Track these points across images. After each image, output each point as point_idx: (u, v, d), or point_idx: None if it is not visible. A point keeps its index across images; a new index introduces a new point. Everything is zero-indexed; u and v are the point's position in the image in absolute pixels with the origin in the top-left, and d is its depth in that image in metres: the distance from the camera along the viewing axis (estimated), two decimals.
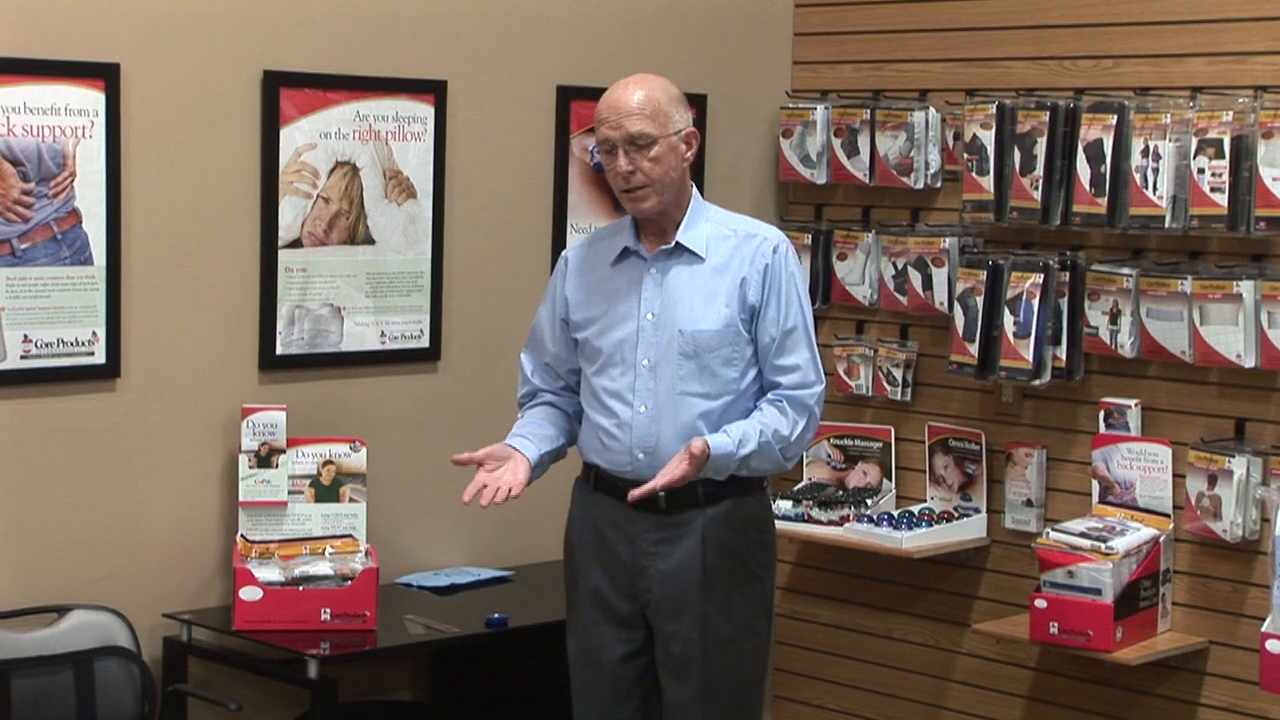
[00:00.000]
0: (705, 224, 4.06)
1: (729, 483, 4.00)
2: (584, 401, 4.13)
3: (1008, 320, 5.11)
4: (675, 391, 3.99)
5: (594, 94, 5.22)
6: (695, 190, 4.10)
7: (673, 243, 4.03)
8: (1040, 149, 5.03)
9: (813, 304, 5.50)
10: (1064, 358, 5.08)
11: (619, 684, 4.10)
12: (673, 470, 3.87)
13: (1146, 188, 4.83)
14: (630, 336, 4.03)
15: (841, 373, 5.56)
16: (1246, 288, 4.71)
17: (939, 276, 5.33)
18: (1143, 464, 4.97)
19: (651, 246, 4.06)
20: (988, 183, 5.16)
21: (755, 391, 4.05)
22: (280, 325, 4.78)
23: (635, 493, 3.89)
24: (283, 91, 4.70)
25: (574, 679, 4.16)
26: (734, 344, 4.01)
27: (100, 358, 4.47)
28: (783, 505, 5.34)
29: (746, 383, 4.04)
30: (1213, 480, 4.81)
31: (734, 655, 4.05)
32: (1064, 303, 5.05)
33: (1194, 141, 4.75)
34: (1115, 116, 4.90)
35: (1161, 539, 4.91)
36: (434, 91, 4.97)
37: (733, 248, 4.04)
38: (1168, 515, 4.94)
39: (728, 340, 4.00)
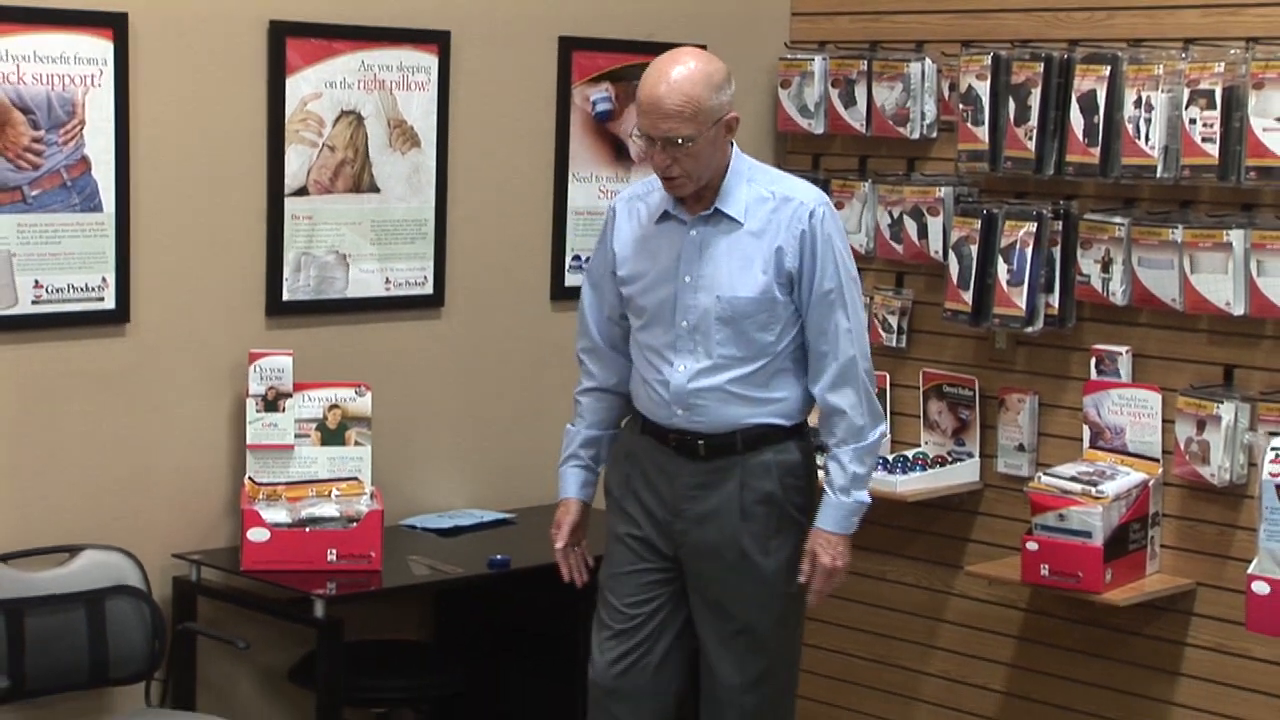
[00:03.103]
0: (744, 186, 3.99)
1: (768, 434, 4.00)
2: (632, 352, 4.12)
3: (1001, 268, 5.11)
4: (713, 354, 3.98)
5: (595, 44, 5.29)
6: (736, 150, 4.02)
7: (712, 209, 3.99)
8: (1034, 100, 5.02)
9: None
10: (1056, 305, 5.07)
11: (640, 591, 4.07)
12: (823, 581, 4.02)
13: (1139, 138, 4.82)
14: (670, 297, 4.00)
15: None
16: (1236, 237, 4.70)
17: (934, 225, 5.33)
18: (1133, 410, 4.98)
19: (691, 210, 4.01)
20: (982, 133, 5.15)
21: (793, 351, 4.01)
22: (287, 272, 4.79)
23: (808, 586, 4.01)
24: (288, 41, 4.70)
25: (600, 599, 4.15)
26: (770, 310, 3.96)
27: (110, 303, 4.48)
28: None
29: (784, 344, 4.00)
30: (1201, 426, 4.81)
31: (772, 595, 4.04)
32: (1057, 251, 5.04)
33: (1186, 92, 4.74)
34: (1108, 68, 4.89)
35: (1151, 483, 4.91)
36: (438, 42, 4.97)
37: (770, 211, 3.98)
38: (1157, 460, 4.94)
39: (764, 307, 3.96)
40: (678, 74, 3.86)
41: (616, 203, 4.18)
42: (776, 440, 4.02)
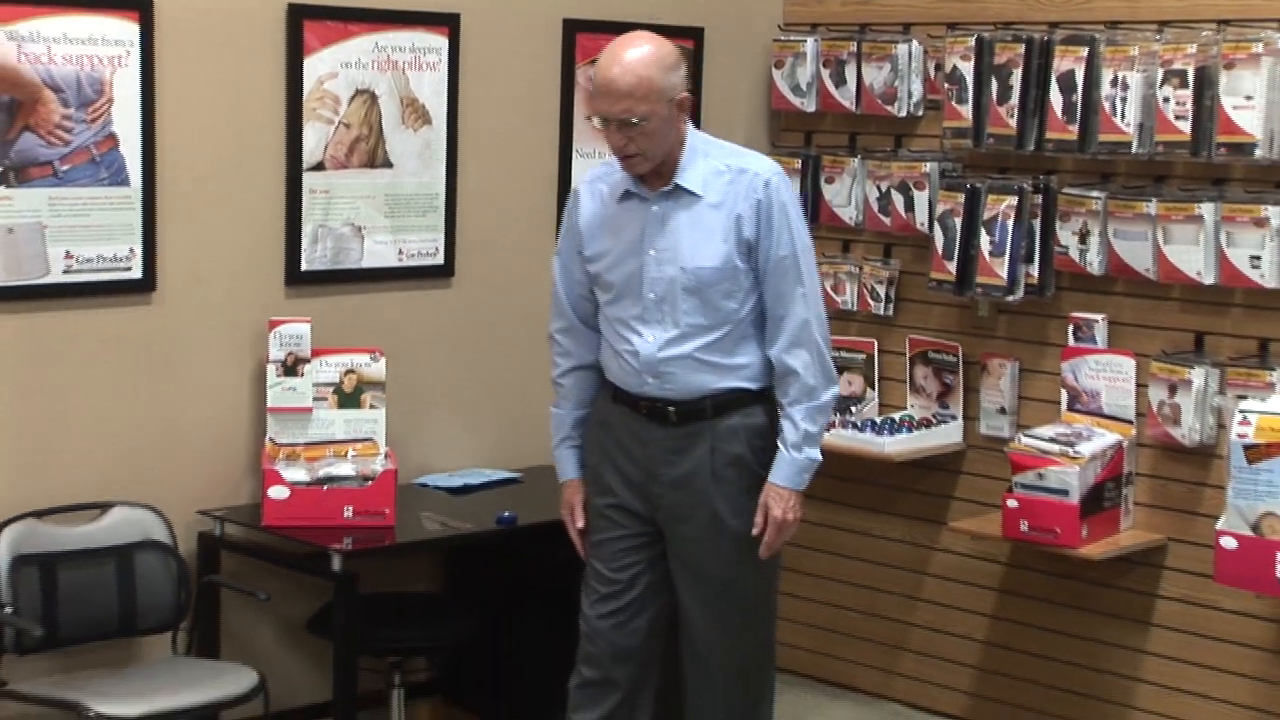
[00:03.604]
0: (701, 161, 3.97)
1: (736, 399, 3.99)
2: (601, 326, 4.10)
3: (984, 240, 5.11)
4: (680, 323, 3.96)
5: (598, 26, 5.26)
6: (691, 128, 4.00)
7: (672, 184, 3.95)
8: (1016, 79, 5.02)
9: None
10: (1036, 275, 5.08)
11: (622, 556, 4.08)
12: (775, 533, 3.99)
13: (1115, 116, 4.83)
14: (637, 271, 3.98)
15: (828, 289, 5.53)
16: (1207, 210, 4.71)
17: (920, 199, 5.32)
18: (1108, 375, 4.98)
19: (652, 188, 3.98)
20: (967, 111, 5.15)
21: (755, 318, 4.00)
22: (305, 243, 4.78)
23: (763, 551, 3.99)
24: (306, 23, 4.70)
25: (587, 566, 4.15)
26: (733, 278, 3.95)
27: (137, 273, 4.48)
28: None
29: (746, 310, 3.99)
30: (1173, 389, 4.82)
31: (746, 553, 4.02)
32: (1037, 223, 5.04)
33: (1160, 72, 4.74)
34: (1086, 49, 4.89)
35: (1125, 444, 4.92)
36: (448, 24, 4.96)
37: (727, 183, 3.96)
38: (1131, 422, 4.95)
39: (727, 275, 3.94)
40: (630, 56, 3.83)
41: (579, 185, 4.14)
42: (744, 405, 4.01)
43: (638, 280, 3.98)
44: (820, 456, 4.04)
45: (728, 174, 3.96)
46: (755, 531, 3.99)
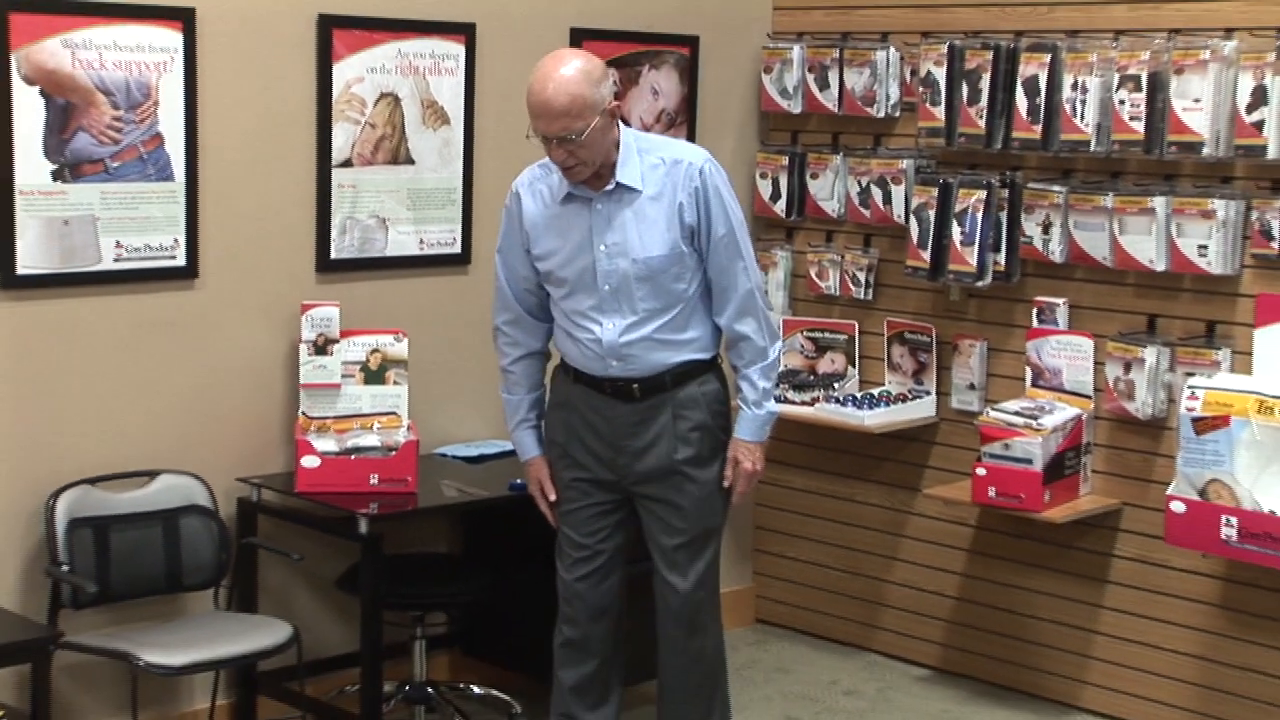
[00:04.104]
0: (636, 158, 3.92)
1: (691, 370, 4.03)
2: (557, 318, 4.08)
3: (955, 230, 5.12)
4: (636, 308, 3.97)
5: (602, 35, 5.17)
6: (622, 127, 3.94)
7: (613, 183, 3.92)
8: (985, 83, 5.02)
9: (788, 216, 5.58)
10: (1003, 262, 5.09)
11: (592, 522, 4.13)
12: (745, 483, 4.08)
13: (1075, 117, 4.83)
14: (589, 267, 3.95)
15: (813, 275, 5.55)
16: (1159, 203, 4.72)
17: (897, 193, 5.32)
18: (1069, 353, 5.00)
19: (594, 188, 3.94)
20: (940, 112, 5.15)
21: (700, 294, 4.02)
22: (334, 234, 4.78)
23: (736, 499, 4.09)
24: (335, 32, 4.69)
25: (559, 534, 4.19)
26: (680, 262, 3.96)
27: (181, 260, 4.49)
28: None
29: (693, 289, 4.01)
30: (1128, 367, 4.84)
31: (709, 506, 4.08)
32: (1004, 215, 5.05)
33: (1116, 77, 4.75)
34: (1049, 55, 4.89)
35: (1084, 417, 4.94)
36: (465, 33, 4.95)
37: (663, 175, 3.93)
38: (1089, 397, 4.96)
39: (675, 260, 3.95)
40: (558, 77, 3.77)
41: (517, 187, 4.06)
42: (699, 374, 4.04)
43: (590, 275, 3.95)
44: (777, 409, 4.08)
45: (663, 166, 3.94)
46: (726, 484, 4.05)
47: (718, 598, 4.23)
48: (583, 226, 3.96)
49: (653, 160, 3.95)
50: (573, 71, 3.79)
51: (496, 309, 4.20)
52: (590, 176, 3.93)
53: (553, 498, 4.18)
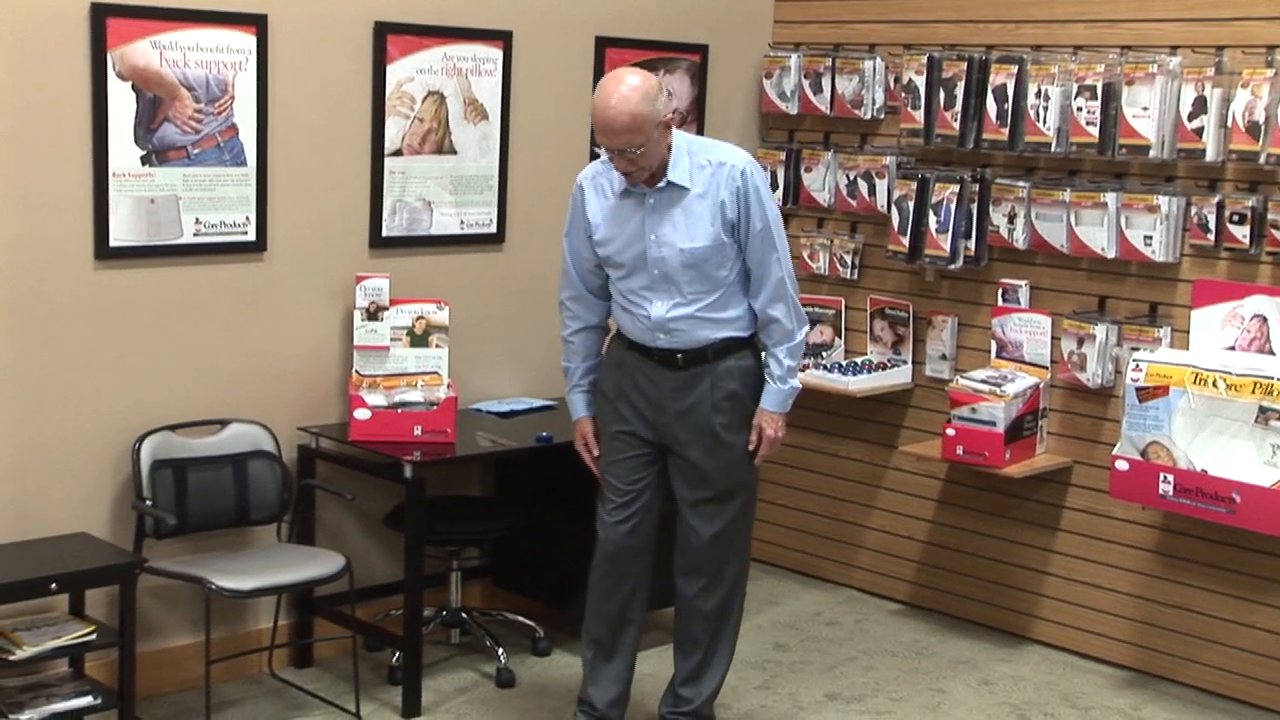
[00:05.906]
0: (686, 159, 3.90)
1: (731, 345, 4.00)
2: (615, 296, 4.07)
3: (931, 219, 5.12)
4: (684, 292, 3.95)
5: (625, 43, 5.15)
6: (675, 131, 3.92)
7: (665, 182, 3.90)
8: (959, 90, 5.03)
9: (784, 204, 5.58)
10: (973, 248, 5.08)
11: (633, 471, 4.09)
12: (768, 447, 4.04)
13: (1038, 121, 4.84)
14: (642, 254, 3.94)
15: (805, 257, 5.54)
16: (1111, 198, 4.73)
17: (881, 186, 5.32)
18: (1029, 329, 5.01)
19: (648, 185, 3.92)
20: (919, 115, 5.14)
21: (739, 279, 3.98)
22: (385, 214, 4.77)
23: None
24: (389, 37, 4.68)
25: (603, 481, 4.14)
26: (721, 252, 3.93)
27: (251, 236, 4.48)
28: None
29: (733, 275, 3.97)
30: (1080, 342, 4.85)
31: (737, 466, 4.05)
32: (974, 207, 5.05)
33: (1075, 87, 4.75)
34: (1016, 66, 4.89)
35: (1041, 385, 4.95)
36: (503, 39, 4.94)
37: (709, 176, 3.90)
38: (1046, 368, 4.98)
39: (717, 251, 3.93)
40: (619, 97, 3.74)
41: (581, 181, 4.03)
42: (737, 349, 4.01)
43: (643, 260, 3.95)
44: (800, 385, 4.07)
45: (709, 168, 3.92)
46: (750, 447, 4.03)
47: (744, 543, 4.18)
48: (637, 218, 3.94)
49: (700, 161, 3.92)
50: (631, 92, 3.76)
51: (562, 285, 4.16)
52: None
53: (596, 453, 4.15)
